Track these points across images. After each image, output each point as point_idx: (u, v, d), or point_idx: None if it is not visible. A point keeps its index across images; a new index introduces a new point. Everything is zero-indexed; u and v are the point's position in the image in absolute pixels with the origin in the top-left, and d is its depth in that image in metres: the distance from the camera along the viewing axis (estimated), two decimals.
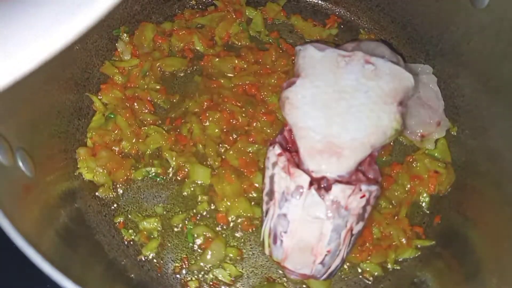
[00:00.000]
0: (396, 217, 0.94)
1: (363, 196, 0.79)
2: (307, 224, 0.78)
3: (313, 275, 0.81)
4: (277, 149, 0.83)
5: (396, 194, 0.95)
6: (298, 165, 0.84)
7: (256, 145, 0.96)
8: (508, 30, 0.84)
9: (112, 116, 0.98)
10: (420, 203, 0.97)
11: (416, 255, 0.93)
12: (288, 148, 0.88)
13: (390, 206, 0.94)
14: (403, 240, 0.93)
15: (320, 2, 1.16)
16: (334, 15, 1.15)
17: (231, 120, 0.99)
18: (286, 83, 0.89)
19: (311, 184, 0.79)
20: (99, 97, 1.00)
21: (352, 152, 0.82)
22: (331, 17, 1.14)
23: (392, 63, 0.89)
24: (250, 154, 0.96)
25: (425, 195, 0.96)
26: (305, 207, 0.78)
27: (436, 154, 0.99)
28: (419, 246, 0.94)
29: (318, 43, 0.95)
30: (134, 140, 0.97)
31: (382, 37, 1.13)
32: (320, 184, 0.81)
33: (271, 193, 0.83)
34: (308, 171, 0.82)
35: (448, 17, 0.98)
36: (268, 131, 0.98)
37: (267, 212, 0.83)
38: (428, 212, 0.97)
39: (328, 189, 0.79)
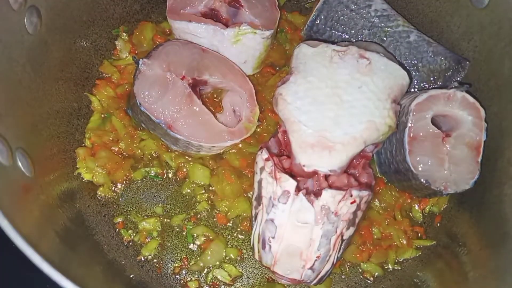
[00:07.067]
0: (394, 218, 0.95)
1: (354, 201, 0.78)
2: (296, 229, 0.77)
3: (303, 280, 0.80)
4: (265, 154, 0.82)
5: (385, 198, 0.95)
6: (289, 165, 0.83)
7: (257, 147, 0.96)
8: (508, 29, 0.84)
9: (107, 116, 0.98)
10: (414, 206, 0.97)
11: (417, 255, 0.93)
12: (282, 151, 0.87)
13: (382, 208, 0.95)
14: (403, 241, 0.93)
15: None
16: None
17: None
18: (281, 81, 0.89)
19: (298, 188, 0.78)
20: (93, 93, 0.99)
21: (344, 147, 0.81)
22: None
23: (388, 59, 0.88)
24: (252, 156, 0.95)
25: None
26: (292, 212, 0.77)
27: None
28: (419, 246, 0.94)
29: (313, 40, 0.94)
30: (129, 141, 0.96)
31: None
32: (309, 189, 0.79)
33: (259, 198, 0.82)
34: (299, 165, 0.81)
35: (448, 16, 0.98)
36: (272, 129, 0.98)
37: (256, 217, 0.83)
38: (428, 212, 0.97)
39: (317, 194, 0.77)
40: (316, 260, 0.78)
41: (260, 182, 0.82)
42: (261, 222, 0.80)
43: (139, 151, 0.96)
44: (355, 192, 0.78)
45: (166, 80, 0.88)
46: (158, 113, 0.87)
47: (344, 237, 0.80)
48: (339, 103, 0.84)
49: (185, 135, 0.87)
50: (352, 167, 0.86)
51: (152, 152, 0.97)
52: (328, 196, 0.76)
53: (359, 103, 0.84)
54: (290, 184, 0.78)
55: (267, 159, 0.82)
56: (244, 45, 0.96)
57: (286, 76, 0.89)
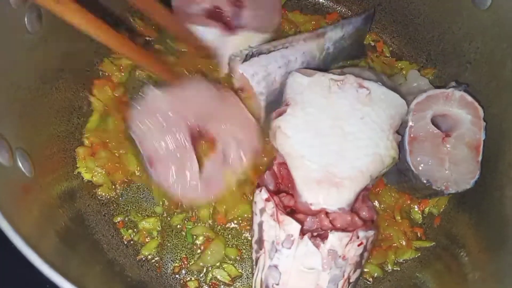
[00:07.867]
0: (394, 219, 0.95)
1: (361, 244, 0.74)
2: (301, 275, 0.73)
3: None
4: (264, 194, 0.78)
5: (384, 199, 0.95)
6: (293, 203, 0.79)
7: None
8: (510, 31, 0.84)
9: (106, 117, 0.96)
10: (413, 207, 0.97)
11: (416, 256, 0.93)
12: (278, 185, 0.83)
13: (382, 209, 0.95)
14: (403, 242, 0.93)
15: (321, 0, 1.16)
16: (336, 13, 1.15)
17: None
18: (275, 113, 0.85)
19: (302, 231, 0.73)
20: (93, 92, 0.98)
21: (352, 182, 0.78)
22: (332, 14, 1.14)
23: (386, 88, 0.85)
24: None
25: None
26: (297, 257, 0.73)
27: None
28: (419, 247, 0.94)
29: (306, 69, 0.90)
30: (115, 145, 0.95)
31: (383, 37, 1.12)
32: (314, 233, 0.75)
33: (260, 242, 0.78)
34: (306, 203, 0.78)
35: (450, 17, 0.97)
36: None
37: (257, 261, 0.78)
38: (428, 213, 0.97)
39: (324, 237, 0.73)
40: None
41: (260, 225, 0.78)
42: (264, 268, 0.76)
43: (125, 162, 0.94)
44: (361, 233, 0.74)
45: (169, 118, 0.84)
46: (146, 146, 0.84)
47: (351, 280, 0.76)
48: (342, 135, 0.81)
49: (158, 177, 0.85)
50: (357, 195, 0.82)
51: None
52: (335, 239, 0.72)
53: (363, 134, 0.81)
54: (294, 227, 0.73)
55: (267, 200, 0.77)
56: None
57: (282, 107, 0.85)
